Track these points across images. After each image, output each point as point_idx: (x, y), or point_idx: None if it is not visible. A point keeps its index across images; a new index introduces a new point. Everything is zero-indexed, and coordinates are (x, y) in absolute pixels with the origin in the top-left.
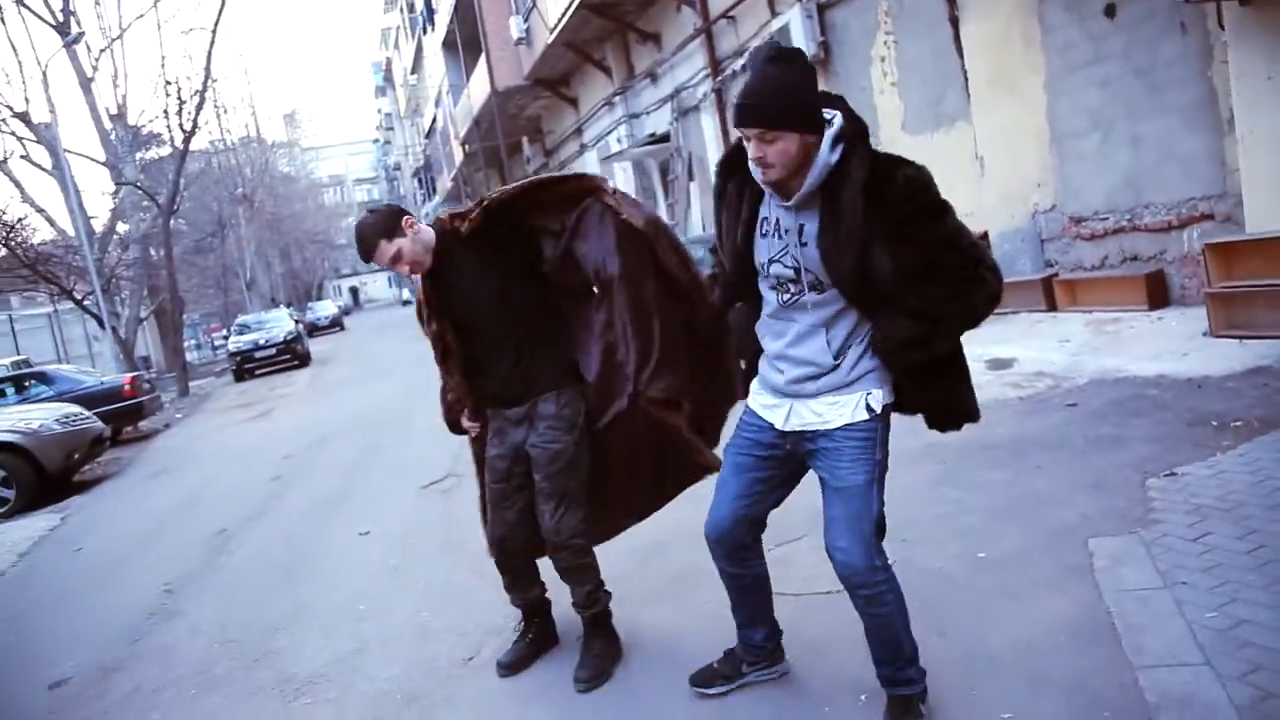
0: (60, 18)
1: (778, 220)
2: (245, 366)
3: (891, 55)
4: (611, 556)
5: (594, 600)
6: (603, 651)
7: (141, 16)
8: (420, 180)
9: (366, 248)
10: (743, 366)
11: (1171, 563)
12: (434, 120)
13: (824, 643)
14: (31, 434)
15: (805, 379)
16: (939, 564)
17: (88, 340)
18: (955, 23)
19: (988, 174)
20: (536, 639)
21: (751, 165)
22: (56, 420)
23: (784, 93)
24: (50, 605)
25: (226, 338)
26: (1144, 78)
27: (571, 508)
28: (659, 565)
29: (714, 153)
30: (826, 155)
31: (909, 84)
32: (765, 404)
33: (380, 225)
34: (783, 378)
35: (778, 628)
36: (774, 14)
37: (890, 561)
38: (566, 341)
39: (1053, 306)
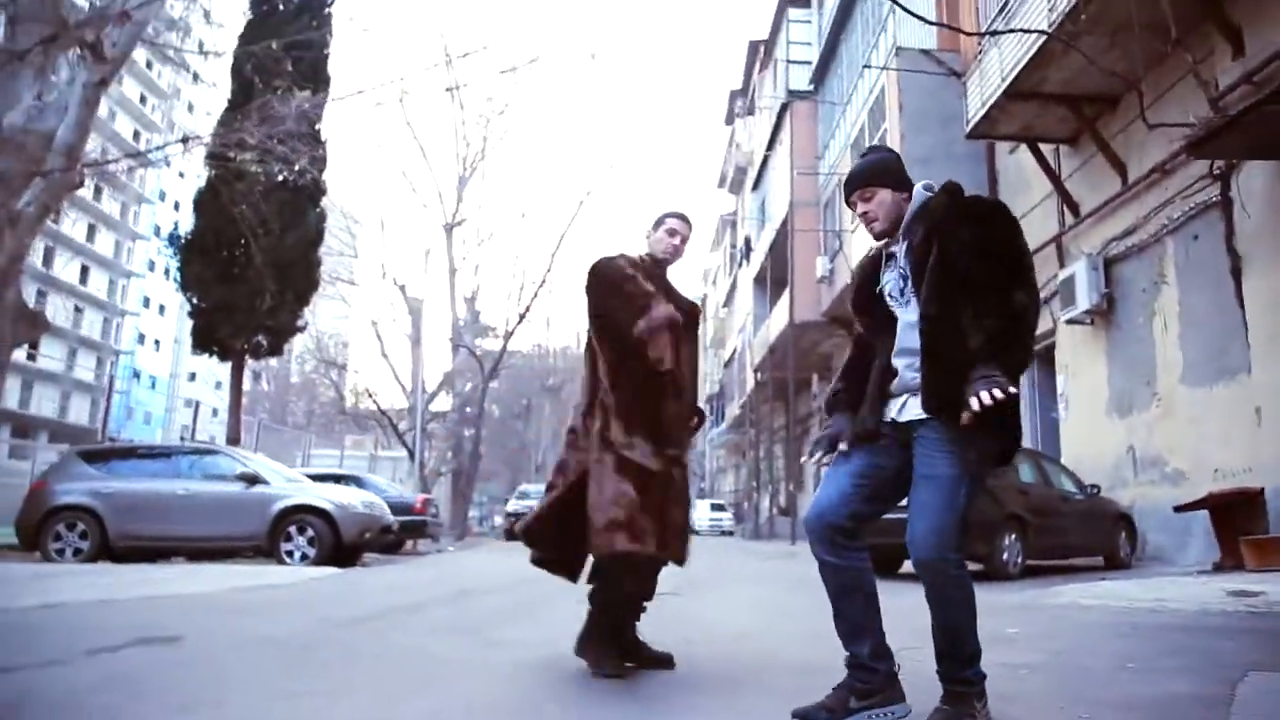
0: (452, 218)
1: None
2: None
3: (1174, 308)
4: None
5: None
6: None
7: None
8: (711, 406)
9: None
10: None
11: None
12: (734, 351)
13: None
14: (341, 506)
15: None
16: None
17: (392, 480)
18: (1238, 275)
19: (1265, 427)
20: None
21: (864, 225)
22: (362, 502)
23: (872, 165)
24: (323, 602)
25: (508, 514)
26: None
27: None
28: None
29: None
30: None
31: (1189, 337)
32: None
33: None
34: (906, 376)
35: (889, 650)
36: (1061, 265)
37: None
38: None
39: None
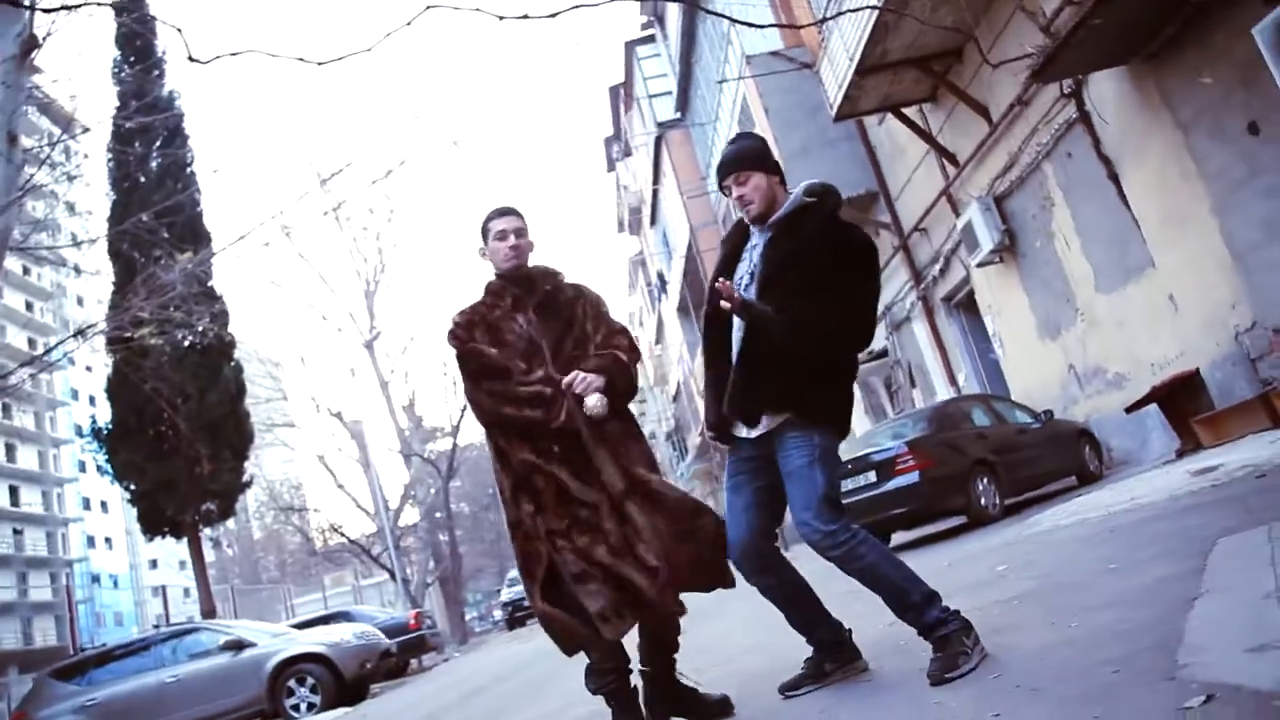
0: (369, 335)
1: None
2: (517, 615)
3: (1069, 224)
4: None
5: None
6: None
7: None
8: (673, 443)
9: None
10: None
11: None
12: (678, 383)
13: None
14: (334, 645)
15: None
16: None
17: (381, 605)
18: (1116, 179)
19: (1182, 311)
20: None
21: (738, 208)
22: (354, 635)
23: (743, 150)
24: None
25: (503, 605)
26: None
27: None
28: None
29: (930, 358)
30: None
31: (1091, 247)
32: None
33: None
34: None
35: (839, 624)
36: (957, 214)
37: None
38: None
39: (1278, 422)
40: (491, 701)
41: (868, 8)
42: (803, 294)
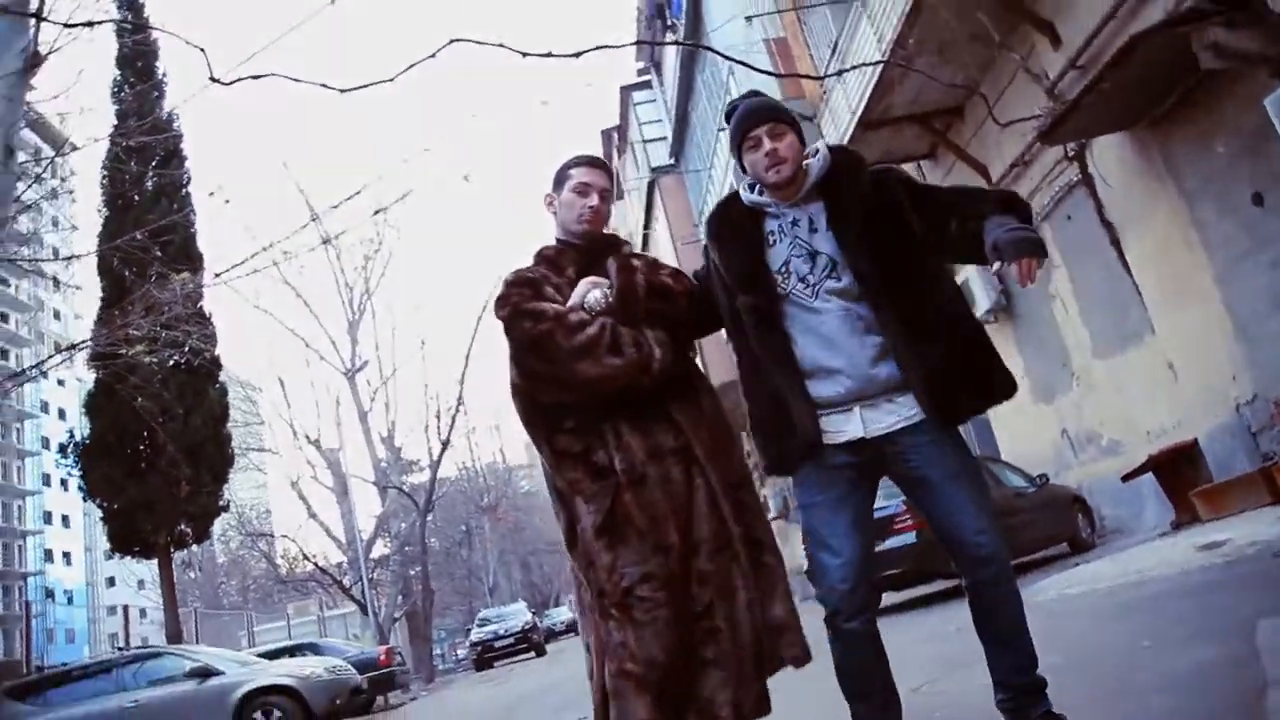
0: (350, 365)
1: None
2: (486, 656)
3: (1067, 288)
4: None
5: None
6: None
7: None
8: None
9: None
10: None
11: None
12: None
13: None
14: (303, 679)
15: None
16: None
17: (346, 638)
18: (1117, 244)
19: (1181, 380)
20: None
21: (762, 165)
22: (324, 669)
23: (777, 104)
24: None
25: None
26: None
27: None
28: None
29: None
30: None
31: (1090, 312)
32: (828, 424)
33: None
34: (848, 382)
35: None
36: (955, 272)
37: None
38: None
39: (1278, 498)
40: None
41: (877, 62)
42: (913, 255)
